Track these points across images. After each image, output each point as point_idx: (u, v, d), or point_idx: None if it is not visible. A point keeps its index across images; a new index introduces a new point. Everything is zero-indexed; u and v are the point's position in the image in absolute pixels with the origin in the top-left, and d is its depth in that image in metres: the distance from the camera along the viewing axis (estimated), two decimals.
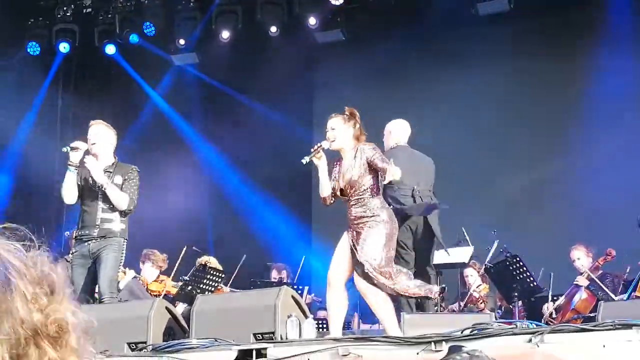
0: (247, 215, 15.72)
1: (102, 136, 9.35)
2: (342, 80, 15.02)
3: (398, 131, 10.17)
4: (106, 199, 9.17)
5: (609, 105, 13.49)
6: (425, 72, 15.06)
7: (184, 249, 12.44)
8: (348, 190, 8.31)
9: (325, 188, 8.47)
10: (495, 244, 11.57)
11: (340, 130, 8.47)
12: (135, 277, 11.65)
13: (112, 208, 9.18)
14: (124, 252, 9.29)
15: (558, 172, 13.94)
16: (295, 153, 14.82)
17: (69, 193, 9.27)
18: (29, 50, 16.08)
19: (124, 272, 11.02)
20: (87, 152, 9.22)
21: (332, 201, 8.51)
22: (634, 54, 13.63)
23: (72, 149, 9.20)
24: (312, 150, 8.41)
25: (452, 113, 14.57)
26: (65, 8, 15.99)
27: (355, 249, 8.08)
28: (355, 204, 8.20)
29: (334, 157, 8.54)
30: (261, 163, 15.59)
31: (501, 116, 14.55)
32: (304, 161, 8.40)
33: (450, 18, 14.31)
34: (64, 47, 16.08)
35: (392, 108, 12.10)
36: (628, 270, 10.79)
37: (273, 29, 15.26)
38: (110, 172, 9.26)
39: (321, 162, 8.40)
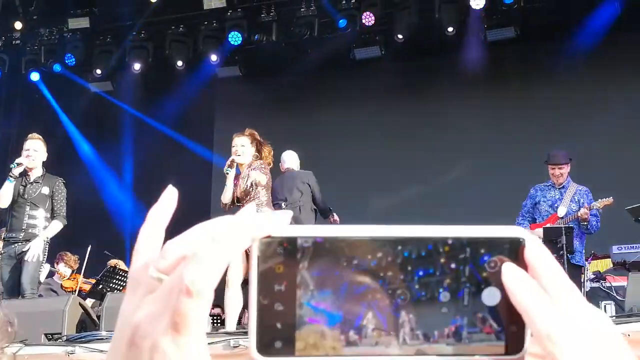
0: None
1: (39, 150, 9.43)
2: (239, 109, 15.34)
3: (286, 160, 10.71)
4: (33, 208, 9.27)
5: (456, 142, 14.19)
6: (310, 106, 15.55)
7: (89, 248, 12.12)
8: (243, 198, 8.64)
9: (227, 196, 8.74)
10: None
11: (246, 148, 8.77)
12: (51, 271, 11.83)
13: (37, 215, 9.27)
14: (46, 253, 9.42)
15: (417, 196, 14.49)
16: (196, 171, 15.18)
17: (6, 199, 9.28)
18: None
19: (43, 268, 10.79)
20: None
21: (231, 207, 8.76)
22: (482, 98, 14.42)
23: (18, 164, 9.28)
24: (227, 163, 8.73)
25: (327, 144, 15.05)
26: None
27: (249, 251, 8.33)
28: None
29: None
30: (164, 182, 15.45)
31: (368, 152, 14.98)
32: (227, 172, 8.73)
33: (331, 60, 14.86)
34: None
35: (282, 134, 12.49)
36: None
37: (179, 63, 15.60)
38: (39, 182, 9.33)
39: (232, 172, 8.73)
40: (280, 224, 0.70)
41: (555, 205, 9.98)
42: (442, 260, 0.72)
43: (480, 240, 0.72)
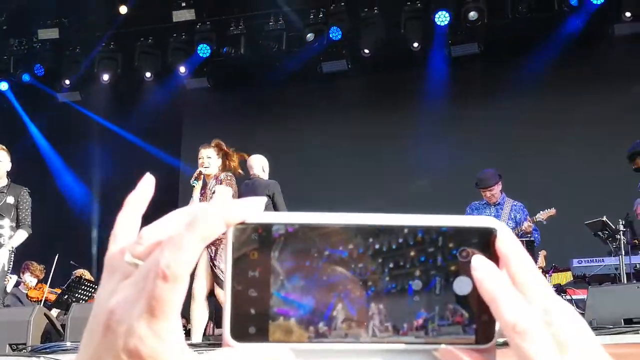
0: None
1: (3, 160, 9.32)
2: (208, 120, 15.37)
3: (253, 165, 10.39)
4: None
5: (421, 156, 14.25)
6: (278, 118, 15.54)
7: (56, 257, 11.99)
8: None
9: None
10: None
11: (213, 159, 8.73)
12: (18, 281, 11.72)
13: (3, 224, 9.13)
14: (11, 263, 9.28)
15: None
16: (163, 181, 15.18)
17: None
18: None
19: (10, 278, 10.90)
20: None
21: None
22: (447, 112, 14.48)
23: None
24: (195, 175, 8.70)
25: (294, 156, 14.97)
26: None
27: (214, 264, 8.32)
28: None
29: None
30: (131, 188, 15.47)
31: (334, 164, 14.97)
32: (194, 184, 8.67)
33: (299, 73, 14.91)
34: None
35: (249, 145, 11.95)
36: None
37: (148, 74, 15.55)
38: (4, 192, 9.19)
39: (199, 185, 8.70)
40: (255, 210, 0.69)
41: None
42: (414, 250, 0.72)
43: (452, 230, 0.72)
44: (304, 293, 0.70)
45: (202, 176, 8.71)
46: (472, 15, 13.83)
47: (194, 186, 8.72)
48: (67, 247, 13.73)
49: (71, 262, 13.14)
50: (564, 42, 13.94)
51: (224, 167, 8.83)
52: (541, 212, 9.97)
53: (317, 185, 14.53)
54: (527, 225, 9.82)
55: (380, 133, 14.98)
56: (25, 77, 15.92)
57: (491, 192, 10.08)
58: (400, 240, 0.71)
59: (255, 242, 0.69)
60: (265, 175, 10.26)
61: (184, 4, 14.94)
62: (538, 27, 13.93)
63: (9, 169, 9.46)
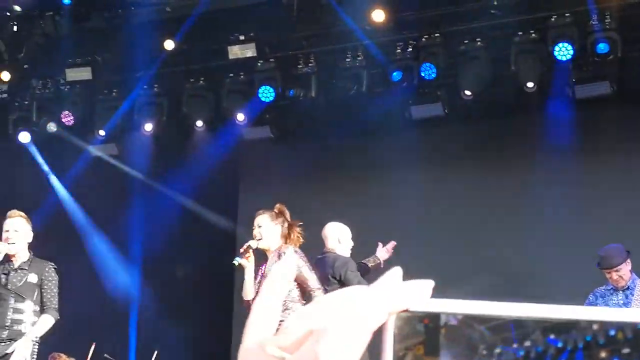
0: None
1: (20, 230, 8.58)
2: (270, 178, 13.73)
3: (327, 236, 9.45)
4: (18, 300, 8.40)
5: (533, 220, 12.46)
6: (355, 175, 13.67)
7: (92, 348, 11.39)
8: None
9: (249, 291, 7.88)
10: None
11: (267, 229, 7.96)
12: None
13: (24, 308, 8.43)
14: (35, 355, 8.56)
15: None
16: (218, 250, 13.33)
17: None
18: None
19: None
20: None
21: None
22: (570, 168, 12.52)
23: None
24: (241, 250, 7.94)
25: (385, 216, 13.06)
26: None
27: None
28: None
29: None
30: (179, 260, 14.11)
31: (446, 231, 13.09)
32: (235, 262, 7.94)
33: (382, 121, 13.09)
34: None
35: (319, 208, 11.66)
36: None
37: (199, 122, 13.73)
38: (25, 269, 8.52)
39: (249, 264, 7.93)
40: (421, 296, 0.68)
41: None
42: (605, 352, 0.66)
43: None
44: None
45: (250, 251, 7.93)
46: (602, 47, 11.75)
47: (236, 264, 7.97)
48: (102, 334, 12.54)
49: (105, 355, 11.94)
50: None
51: (288, 239, 8.05)
52: None
53: (412, 258, 12.35)
54: None
55: (486, 193, 12.97)
56: (51, 127, 14.08)
57: (618, 274, 8.93)
58: (588, 339, 0.66)
59: (421, 334, 0.67)
60: (342, 248, 9.30)
61: (242, 37, 13.13)
62: None
63: (29, 240, 8.73)
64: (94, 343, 11.10)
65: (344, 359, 0.62)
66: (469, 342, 0.64)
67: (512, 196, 12.78)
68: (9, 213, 8.64)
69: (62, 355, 11.42)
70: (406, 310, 0.65)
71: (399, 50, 12.84)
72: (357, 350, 0.62)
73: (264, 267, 7.91)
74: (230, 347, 12.75)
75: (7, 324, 8.35)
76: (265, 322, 0.70)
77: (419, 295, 0.66)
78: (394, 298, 0.65)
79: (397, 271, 0.74)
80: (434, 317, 0.65)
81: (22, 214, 8.71)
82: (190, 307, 13.75)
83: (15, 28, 13.69)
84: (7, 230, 8.47)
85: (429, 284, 0.67)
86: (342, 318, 0.63)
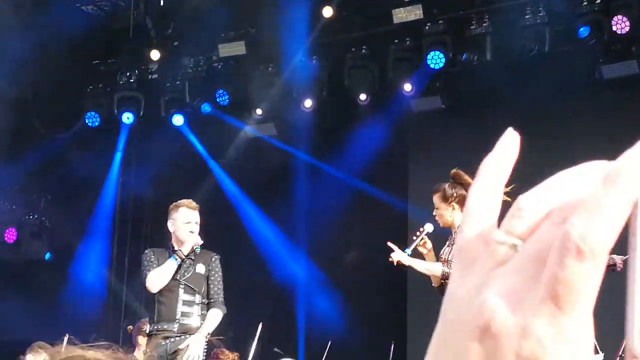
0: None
1: (199, 222, 8.31)
2: (442, 153, 12.67)
3: None
4: (188, 292, 8.11)
5: None
6: (537, 145, 12.31)
7: (259, 328, 9.97)
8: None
9: (437, 271, 7.21)
10: None
11: (442, 209, 7.38)
12: None
13: (194, 301, 8.16)
14: (205, 352, 8.26)
15: None
16: (389, 232, 12.42)
17: (163, 282, 8.01)
18: (87, 122, 13.71)
19: None
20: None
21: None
22: None
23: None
24: (414, 237, 7.49)
25: None
26: (128, 74, 13.66)
27: None
28: None
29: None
30: (347, 244, 13.41)
31: None
32: (408, 252, 7.41)
33: (567, 83, 11.91)
34: (127, 118, 13.63)
35: None
36: None
37: (362, 95, 12.97)
38: (193, 259, 8.20)
39: (427, 251, 7.49)
40: None
41: None
42: None
43: None
44: None
45: (424, 236, 7.47)
46: None
47: (409, 253, 7.41)
48: (268, 326, 11.36)
49: (275, 349, 11.44)
50: None
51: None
52: None
53: None
54: None
55: None
56: (206, 108, 13.49)
57: None
58: None
59: None
60: None
61: None
62: None
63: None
64: (261, 323, 10.14)
65: (604, 235, 0.50)
66: None
67: None
68: (187, 202, 8.24)
69: (224, 351, 10.62)
70: None
71: (586, 3, 11.82)
72: (619, 227, 0.50)
73: (449, 247, 7.31)
74: (405, 343, 11.94)
75: (177, 317, 8.05)
76: (488, 207, 0.57)
77: None
78: None
79: None
80: None
81: (192, 201, 8.38)
82: (360, 295, 12.93)
83: (162, 2, 13.24)
84: (189, 222, 8.11)
85: None
86: (595, 187, 0.52)
